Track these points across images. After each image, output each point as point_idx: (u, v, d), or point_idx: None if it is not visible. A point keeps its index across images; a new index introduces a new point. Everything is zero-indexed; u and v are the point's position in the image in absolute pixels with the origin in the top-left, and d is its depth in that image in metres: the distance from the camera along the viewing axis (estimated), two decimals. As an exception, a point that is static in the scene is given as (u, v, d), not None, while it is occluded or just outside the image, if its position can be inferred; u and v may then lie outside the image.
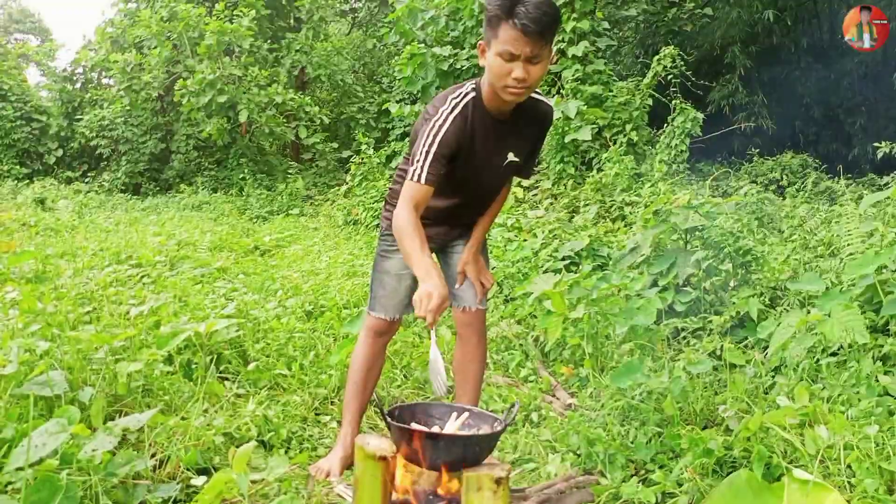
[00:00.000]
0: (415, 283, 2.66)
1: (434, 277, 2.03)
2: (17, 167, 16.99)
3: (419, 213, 2.22)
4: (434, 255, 2.77)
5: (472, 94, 2.31)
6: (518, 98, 2.25)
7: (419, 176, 2.21)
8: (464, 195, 2.53)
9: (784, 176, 10.50)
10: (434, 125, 2.25)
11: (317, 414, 3.22)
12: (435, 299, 1.96)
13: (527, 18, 2.07)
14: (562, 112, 9.18)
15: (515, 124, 2.41)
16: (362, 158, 12.34)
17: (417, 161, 2.22)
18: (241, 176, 16.27)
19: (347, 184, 12.50)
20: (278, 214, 13.20)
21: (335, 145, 17.46)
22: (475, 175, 2.45)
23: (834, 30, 13.87)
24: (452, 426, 2.04)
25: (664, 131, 9.77)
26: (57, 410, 2.19)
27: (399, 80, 14.49)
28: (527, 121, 2.45)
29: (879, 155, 7.72)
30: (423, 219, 2.25)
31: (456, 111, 2.27)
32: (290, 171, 16.13)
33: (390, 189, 2.68)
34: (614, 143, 9.73)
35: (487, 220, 2.72)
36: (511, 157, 2.50)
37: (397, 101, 15.68)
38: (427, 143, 2.23)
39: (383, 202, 2.73)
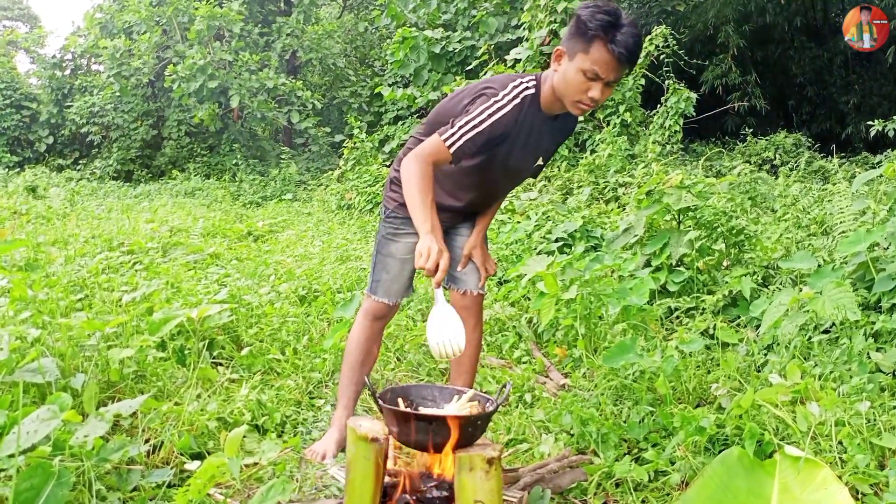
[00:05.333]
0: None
1: (440, 238, 1.99)
2: (8, 155, 16.90)
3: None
4: None
5: (532, 92, 2.26)
6: (582, 114, 2.24)
7: (453, 143, 2.13)
8: (485, 191, 2.53)
9: (777, 155, 10.50)
10: (494, 104, 2.18)
11: (311, 398, 3.22)
12: (445, 259, 1.93)
13: (624, 46, 2.05)
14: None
15: (553, 129, 2.40)
16: (355, 143, 12.30)
17: (460, 127, 2.13)
18: (234, 161, 16.21)
19: (340, 168, 12.47)
20: (271, 200, 13.16)
21: (328, 130, 17.40)
22: (505, 171, 2.45)
23: (827, 8, 13.83)
24: (456, 407, 2.04)
25: (657, 112, 9.75)
26: (49, 397, 2.18)
27: (391, 63, 14.40)
28: (561, 127, 2.44)
29: (872, 133, 7.72)
30: (440, 202, 2.22)
31: (516, 101, 2.21)
32: (282, 157, 16.07)
33: (395, 170, 2.60)
34: (607, 125, 9.71)
35: (494, 208, 2.75)
36: (540, 161, 2.52)
37: (389, 85, 15.61)
38: (479, 118, 2.15)
39: (387, 183, 2.68)
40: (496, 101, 2.19)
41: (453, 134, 2.14)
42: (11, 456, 1.82)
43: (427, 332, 2.00)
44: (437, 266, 1.92)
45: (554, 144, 2.56)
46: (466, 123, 2.14)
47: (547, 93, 2.27)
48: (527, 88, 2.25)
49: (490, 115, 2.16)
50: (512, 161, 2.39)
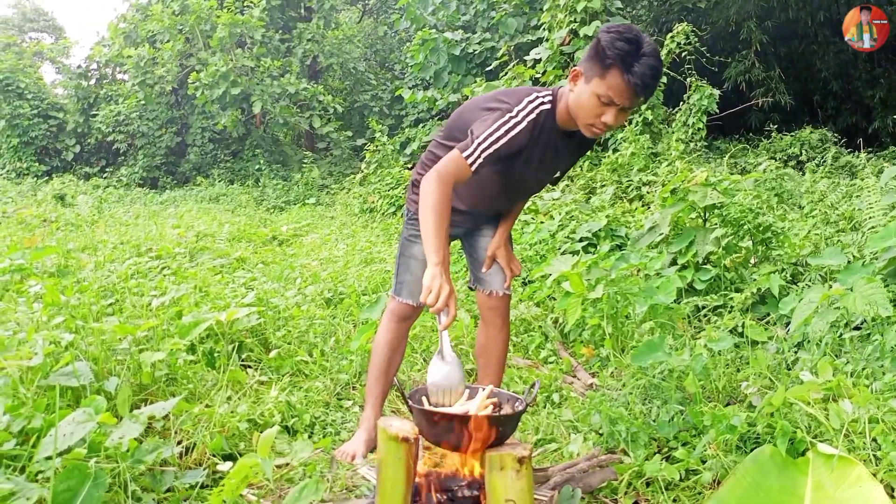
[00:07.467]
0: None
1: (448, 275, 1.98)
2: (37, 164, 17.18)
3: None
4: (460, 238, 2.78)
5: (548, 107, 2.25)
6: (595, 136, 2.24)
7: (474, 160, 2.13)
8: (507, 195, 2.54)
9: (803, 151, 10.38)
10: (509, 120, 2.18)
11: (339, 399, 3.24)
12: (454, 302, 1.92)
13: (641, 78, 2.04)
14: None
15: (572, 143, 2.39)
16: (377, 146, 12.35)
17: (479, 143, 2.14)
18: (257, 167, 16.34)
19: (362, 172, 12.53)
20: (295, 204, 13.25)
21: (349, 133, 17.49)
22: (523, 182, 2.46)
23: (850, 3, 13.63)
24: (474, 404, 2.03)
25: (680, 109, 9.69)
26: (84, 400, 2.21)
27: (411, 66, 14.45)
28: (579, 142, 2.42)
29: (900, 127, 7.59)
30: (458, 206, 2.22)
31: (531, 116, 2.21)
32: (305, 161, 16.17)
33: (418, 173, 2.62)
34: (630, 123, 9.65)
35: (517, 210, 2.76)
36: (559, 172, 2.55)
37: (410, 88, 15.67)
38: (496, 135, 2.15)
39: (409, 186, 2.70)
40: (511, 117, 2.18)
41: (473, 151, 2.14)
42: (49, 458, 1.85)
43: (428, 374, 2.01)
44: (445, 304, 1.90)
45: (572, 159, 2.55)
46: (484, 140, 2.14)
47: (563, 109, 2.25)
48: (542, 104, 2.24)
49: (506, 132, 2.16)
50: (529, 174, 2.40)
